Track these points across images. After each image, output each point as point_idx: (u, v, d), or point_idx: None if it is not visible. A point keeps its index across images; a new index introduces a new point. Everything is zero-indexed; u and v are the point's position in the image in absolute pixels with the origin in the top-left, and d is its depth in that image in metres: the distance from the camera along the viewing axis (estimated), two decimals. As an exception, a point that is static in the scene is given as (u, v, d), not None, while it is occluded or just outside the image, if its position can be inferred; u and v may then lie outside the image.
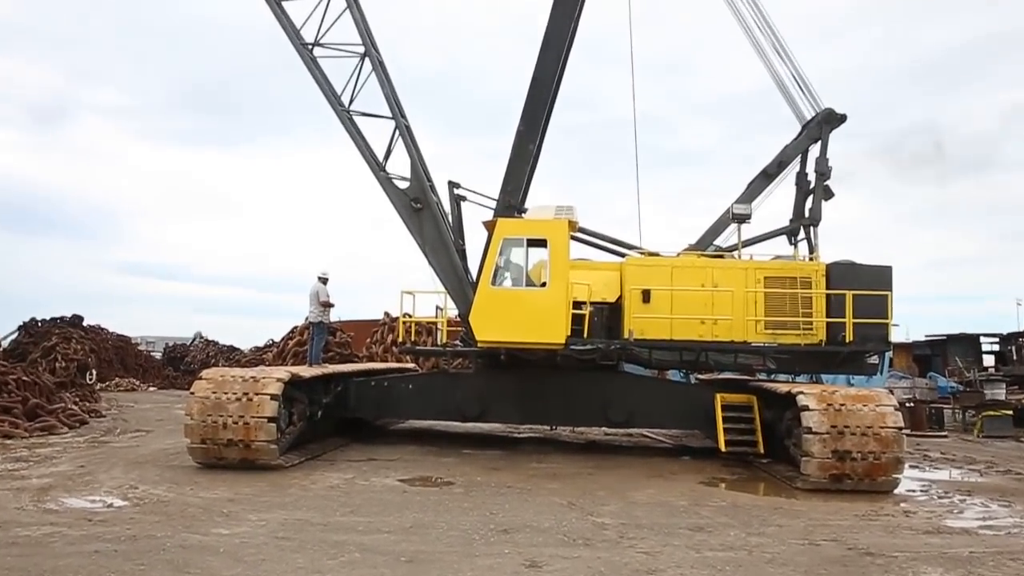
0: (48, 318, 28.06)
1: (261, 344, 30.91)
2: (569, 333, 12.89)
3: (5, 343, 26.80)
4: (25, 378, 16.49)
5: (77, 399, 18.82)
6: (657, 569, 6.60)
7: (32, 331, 27.20)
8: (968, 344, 33.66)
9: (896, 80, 79.06)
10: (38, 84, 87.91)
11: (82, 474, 10.39)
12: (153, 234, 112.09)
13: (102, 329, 30.99)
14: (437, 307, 14.79)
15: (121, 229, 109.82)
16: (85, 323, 29.44)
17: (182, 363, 34.15)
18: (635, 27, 15.09)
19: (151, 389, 29.28)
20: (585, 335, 13.09)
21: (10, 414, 14.91)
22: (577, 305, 13.12)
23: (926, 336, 37.31)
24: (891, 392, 14.87)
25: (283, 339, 25.38)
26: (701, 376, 16.33)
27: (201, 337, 37.29)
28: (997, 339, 30.60)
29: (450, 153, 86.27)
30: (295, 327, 24.73)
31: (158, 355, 36.97)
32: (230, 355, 32.43)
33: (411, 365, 20.35)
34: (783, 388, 12.00)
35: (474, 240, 14.79)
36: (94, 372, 23.05)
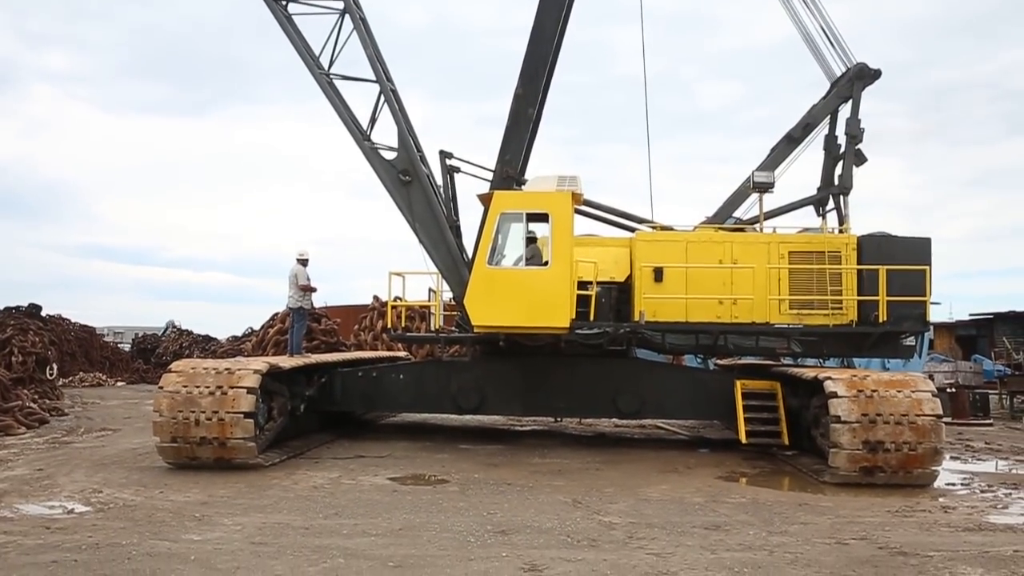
0: (1, 308, 28.09)
1: (239, 333, 31.11)
2: (574, 316, 12.95)
3: None
4: (-24, 375, 16.51)
5: (36, 396, 18.91)
6: (668, 572, 6.65)
7: (-17, 323, 27.09)
8: (1018, 323, 33.69)
9: (937, 32, 78.36)
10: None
11: (40, 478, 10.42)
12: (117, 213, 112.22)
13: (63, 319, 31.14)
14: (430, 290, 14.88)
15: (80, 208, 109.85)
16: (44, 313, 29.50)
17: (153, 355, 34.40)
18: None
19: (119, 384, 29.46)
20: (592, 318, 13.13)
21: (-39, 414, 14.96)
22: (582, 285, 13.17)
23: (971, 315, 37.41)
24: (930, 377, 14.98)
25: (263, 327, 25.35)
26: (720, 361, 16.45)
27: (174, 326, 37.55)
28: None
29: (442, 119, 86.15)
30: (276, 314, 24.61)
31: (127, 347, 37.24)
32: (205, 345, 32.67)
33: (403, 354, 20.51)
34: (809, 373, 12.08)
35: (469, 215, 14.82)
36: (55, 366, 23.11)
